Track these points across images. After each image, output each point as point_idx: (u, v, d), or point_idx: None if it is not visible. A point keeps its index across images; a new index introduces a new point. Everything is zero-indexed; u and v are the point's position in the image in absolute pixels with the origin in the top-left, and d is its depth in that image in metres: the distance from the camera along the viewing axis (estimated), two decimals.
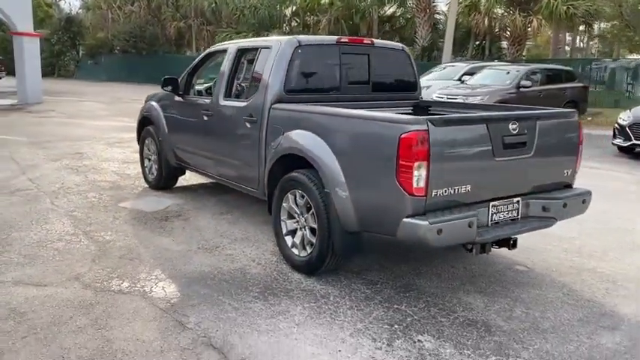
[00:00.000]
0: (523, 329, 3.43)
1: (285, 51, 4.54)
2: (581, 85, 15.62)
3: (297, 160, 4.13)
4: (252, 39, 5.82)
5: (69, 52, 36.37)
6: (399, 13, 28.95)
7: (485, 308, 3.72)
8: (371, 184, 3.56)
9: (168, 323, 3.36)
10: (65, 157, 8.77)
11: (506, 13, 23.28)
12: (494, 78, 14.69)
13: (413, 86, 5.35)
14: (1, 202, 5.99)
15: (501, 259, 4.67)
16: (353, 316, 3.54)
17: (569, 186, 4.20)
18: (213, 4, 30.27)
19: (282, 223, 4.35)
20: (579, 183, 4.30)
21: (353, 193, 3.66)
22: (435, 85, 16.01)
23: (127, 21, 33.94)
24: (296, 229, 4.26)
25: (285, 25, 28.83)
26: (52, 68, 37.04)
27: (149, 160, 6.75)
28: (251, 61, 5.09)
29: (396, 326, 3.42)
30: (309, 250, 4.11)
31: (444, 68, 17.58)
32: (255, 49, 4.97)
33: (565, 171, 4.10)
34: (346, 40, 4.87)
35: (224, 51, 5.45)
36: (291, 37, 4.71)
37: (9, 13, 17.57)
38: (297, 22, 29.06)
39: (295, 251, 4.25)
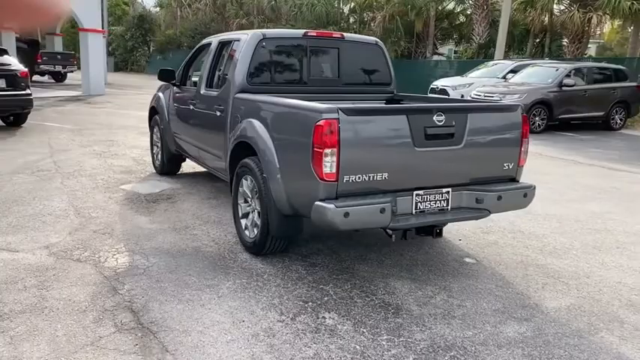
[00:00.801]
0: (432, 314, 3.53)
1: (249, 44, 4.81)
2: (634, 84, 14.86)
3: (250, 148, 4.39)
4: (232, 32, 6.11)
5: (140, 48, 38.37)
6: (458, 10, 28.47)
7: (407, 294, 3.83)
8: (296, 170, 3.76)
9: (104, 289, 3.72)
10: (96, 144, 9.46)
11: (566, 10, 22.37)
12: (538, 76, 14.28)
13: (386, 80, 5.46)
14: (19, 179, 6.64)
15: (455, 251, 4.73)
16: (275, 292, 3.76)
17: (513, 180, 4.22)
18: (273, 2, 31.01)
19: (239, 207, 4.63)
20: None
21: (284, 178, 3.88)
22: (477, 82, 15.79)
23: (194, 18, 35.35)
24: (248, 212, 4.52)
25: (342, 21, 29.06)
26: (125, 63, 39.10)
27: (157, 147, 7.22)
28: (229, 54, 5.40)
29: (310, 304, 3.61)
30: (255, 232, 4.36)
31: (491, 65, 17.23)
32: (230, 42, 5.27)
33: (505, 164, 4.12)
34: (314, 34, 5.07)
35: (210, 43, 5.79)
36: (257, 30, 4.97)
37: (76, 11, 18.82)
38: (354, 18, 29.22)
39: (247, 233, 4.51)
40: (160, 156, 7.09)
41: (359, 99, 5.22)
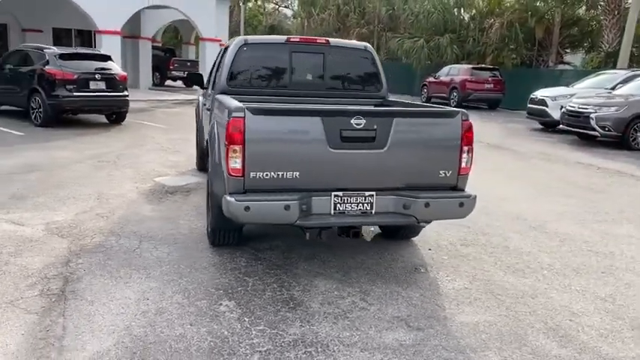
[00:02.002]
0: (327, 313, 3.58)
1: (232, 49, 5.15)
2: None
3: None
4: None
5: None
6: (588, 17, 26.30)
7: (321, 292, 3.90)
8: (217, 166, 4.02)
9: (60, 260, 4.27)
10: (171, 142, 10.38)
11: None
12: None
13: (376, 85, 5.47)
14: (77, 167, 7.61)
15: (412, 260, 4.66)
16: (198, 279, 4.04)
17: (454, 188, 4.08)
18: (391, 10, 31.06)
19: (208, 200, 4.98)
20: None
21: (213, 174, 4.17)
22: (580, 93, 14.63)
23: (319, 28, 36.61)
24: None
25: (462, 29, 28.29)
26: None
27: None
28: None
29: (220, 292, 3.84)
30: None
31: (599, 75, 15.85)
32: (228, 47, 5.65)
33: (441, 172, 4.00)
34: (297, 40, 5.27)
35: (225, 48, 6.23)
36: (242, 37, 5.29)
37: (197, 22, 20.68)
38: (474, 25, 28.27)
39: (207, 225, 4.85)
40: (196, 153, 7.69)
41: (344, 103, 5.30)
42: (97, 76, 11.36)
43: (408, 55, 27.69)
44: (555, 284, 4.25)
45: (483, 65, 23.94)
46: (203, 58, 21.30)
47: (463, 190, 4.11)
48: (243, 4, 41.92)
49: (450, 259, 4.71)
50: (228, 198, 3.66)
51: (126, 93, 11.97)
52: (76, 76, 11.05)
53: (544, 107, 14.98)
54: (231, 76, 5.12)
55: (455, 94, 22.09)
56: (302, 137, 3.77)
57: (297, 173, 3.75)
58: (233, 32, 44.38)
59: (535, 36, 24.71)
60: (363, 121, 3.78)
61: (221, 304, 3.64)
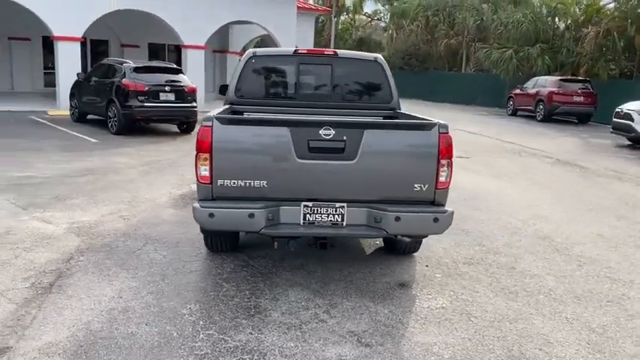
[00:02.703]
0: (283, 323, 3.59)
1: (242, 61, 5.31)
2: None
3: None
4: None
5: None
6: None
7: (289, 302, 3.90)
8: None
9: (63, 257, 4.60)
10: None
11: None
12: None
13: (386, 96, 5.39)
14: (129, 172, 8.13)
15: (399, 276, 4.53)
16: (178, 281, 4.20)
17: (432, 203, 3.93)
18: (479, 21, 30.11)
19: None
20: None
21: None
22: None
23: (407, 40, 36.31)
24: None
25: (556, 38, 26.84)
26: None
27: None
28: None
29: (191, 295, 3.98)
30: None
31: None
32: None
33: (416, 185, 3.88)
34: (304, 51, 5.33)
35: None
36: (252, 49, 5.42)
37: (277, 37, 21.36)
38: (569, 35, 26.71)
39: None
40: None
41: (353, 114, 5.27)
42: (166, 88, 12.08)
43: (495, 66, 26.72)
44: (545, 310, 3.95)
45: (573, 77, 22.61)
46: None
47: (442, 205, 3.95)
48: (335, 17, 42.61)
49: (443, 277, 4.52)
50: (195, 204, 3.79)
51: (194, 104, 12.60)
52: (147, 88, 11.80)
53: (629, 122, 13.85)
54: (239, 88, 5.28)
55: (541, 106, 21.02)
56: (269, 147, 3.82)
57: (265, 182, 3.80)
58: (323, 46, 45.32)
59: (635, 45, 22.91)
60: (332, 132, 3.77)
61: (185, 307, 3.76)
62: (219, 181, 3.79)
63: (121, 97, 11.84)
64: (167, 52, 24.91)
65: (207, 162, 3.76)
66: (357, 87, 5.46)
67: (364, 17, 47.91)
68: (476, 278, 4.52)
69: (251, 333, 3.44)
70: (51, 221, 5.59)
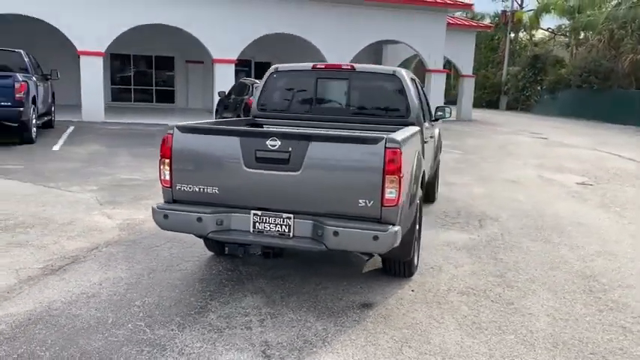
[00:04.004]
0: (207, 323, 3.71)
1: (265, 76, 5.55)
2: None
3: None
4: None
5: (531, 87, 38.17)
6: None
7: (235, 307, 4.00)
8: None
9: (92, 245, 5.25)
10: None
11: None
12: None
13: (402, 109, 5.18)
14: None
15: (367, 297, 4.33)
16: (159, 278, 4.53)
17: (380, 221, 3.73)
18: None
19: None
20: None
21: None
22: None
23: (587, 56, 33.09)
24: None
25: None
26: (516, 102, 39.74)
27: None
28: None
29: (157, 291, 4.28)
30: None
31: None
32: None
33: (361, 201, 3.71)
34: (322, 66, 5.37)
35: None
36: (275, 65, 5.62)
37: (424, 55, 21.24)
38: None
39: None
40: None
41: (369, 128, 5.18)
42: None
43: None
44: (502, 351, 3.48)
45: None
46: (461, 90, 22.18)
47: (391, 224, 3.73)
48: (510, 33, 40.63)
49: (419, 303, 4.22)
50: (153, 206, 4.11)
51: None
52: None
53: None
54: (262, 102, 5.53)
55: None
56: (221, 155, 3.99)
57: (217, 189, 3.98)
58: (497, 63, 43.41)
59: None
60: (277, 143, 3.82)
61: (142, 300, 4.08)
62: (178, 186, 4.06)
63: (246, 113, 12.83)
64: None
65: (168, 167, 4.06)
66: (373, 101, 5.35)
67: (546, 32, 44.89)
68: (455, 310, 4.13)
69: (172, 329, 3.62)
70: (112, 217, 6.38)
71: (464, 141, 16.42)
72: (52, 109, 15.01)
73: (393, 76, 5.23)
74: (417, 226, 4.67)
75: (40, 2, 16.41)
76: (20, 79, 10.90)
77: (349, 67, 5.37)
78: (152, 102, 25.04)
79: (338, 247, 3.78)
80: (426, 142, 5.56)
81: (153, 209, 4.10)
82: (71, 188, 7.69)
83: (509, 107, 40.33)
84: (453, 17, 25.43)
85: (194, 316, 3.84)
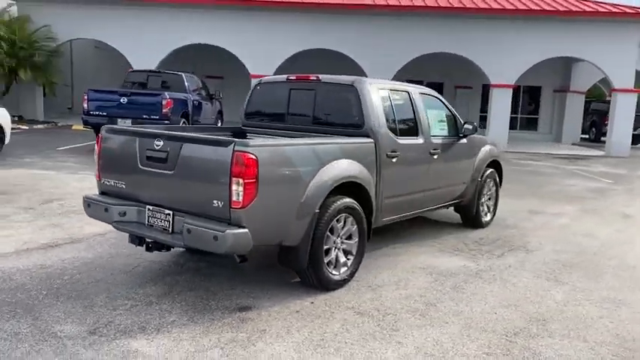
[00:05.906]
0: (107, 306, 4.10)
1: (251, 87, 5.90)
2: None
3: None
4: None
5: None
6: None
7: (168, 302, 4.22)
8: None
9: (104, 229, 6.10)
10: None
11: None
12: None
13: (358, 120, 5.07)
14: None
15: (255, 299, 4.30)
16: (144, 265, 5.06)
17: (230, 222, 3.79)
18: None
19: None
20: None
21: None
22: None
23: None
24: None
25: None
26: None
27: None
28: None
29: (109, 283, 4.62)
30: None
31: None
32: None
33: (215, 202, 3.85)
34: (293, 78, 5.51)
35: None
36: (260, 78, 5.89)
37: (607, 73, 18.87)
38: None
39: None
40: None
41: (327, 137, 5.13)
42: None
43: None
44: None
45: None
46: (613, 110, 19.08)
47: (242, 226, 3.76)
48: None
49: (295, 317, 4.04)
50: (83, 196, 4.72)
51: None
52: None
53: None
54: (248, 112, 5.88)
55: None
56: (126, 154, 4.43)
57: (123, 184, 4.46)
58: None
59: None
60: (161, 143, 4.15)
61: (97, 284, 4.54)
62: (103, 179, 4.64)
63: None
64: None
65: (97, 163, 4.67)
66: (332, 111, 5.34)
67: None
68: (322, 321, 3.88)
69: (86, 318, 3.86)
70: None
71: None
72: (219, 123, 16.97)
73: (351, 87, 5.12)
74: (326, 239, 4.43)
75: None
76: (167, 96, 12.68)
77: (315, 79, 5.40)
78: None
79: (190, 244, 3.95)
80: (434, 155, 5.72)
81: (83, 199, 4.72)
82: None
83: None
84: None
85: (119, 308, 4.08)
